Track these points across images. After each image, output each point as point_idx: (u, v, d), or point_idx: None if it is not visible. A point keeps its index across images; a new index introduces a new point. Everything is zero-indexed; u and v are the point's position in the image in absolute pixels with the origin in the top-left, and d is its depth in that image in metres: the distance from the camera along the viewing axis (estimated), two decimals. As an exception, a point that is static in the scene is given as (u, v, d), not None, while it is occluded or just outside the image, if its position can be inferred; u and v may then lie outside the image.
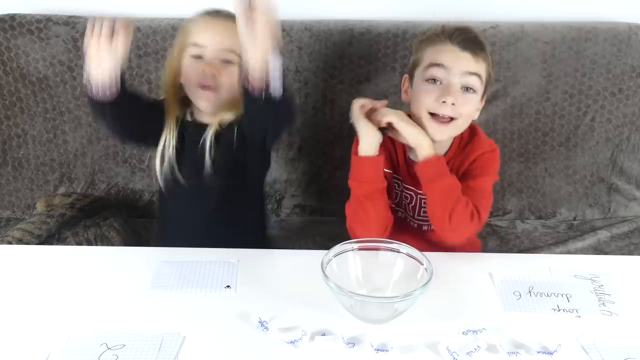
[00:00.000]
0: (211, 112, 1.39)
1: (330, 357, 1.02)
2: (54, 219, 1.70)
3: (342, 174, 1.87)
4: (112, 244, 1.69)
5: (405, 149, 1.43)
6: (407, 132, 1.32)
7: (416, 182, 1.40)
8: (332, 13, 1.84)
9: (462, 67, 1.32)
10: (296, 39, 1.80)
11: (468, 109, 1.35)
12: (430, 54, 1.35)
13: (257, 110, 1.22)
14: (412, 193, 1.45)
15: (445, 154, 1.41)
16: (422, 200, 1.44)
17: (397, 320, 1.09)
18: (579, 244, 1.81)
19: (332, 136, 1.89)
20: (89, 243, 1.67)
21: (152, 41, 1.79)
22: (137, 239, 1.78)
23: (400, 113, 1.35)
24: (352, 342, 1.04)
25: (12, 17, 1.80)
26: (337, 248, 1.17)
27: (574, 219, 1.95)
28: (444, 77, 1.32)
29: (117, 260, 1.29)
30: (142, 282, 1.20)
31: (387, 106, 1.39)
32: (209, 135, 1.38)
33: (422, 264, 1.13)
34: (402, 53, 1.80)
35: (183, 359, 1.01)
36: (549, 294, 1.18)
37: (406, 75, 1.44)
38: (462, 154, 1.42)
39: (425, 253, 1.15)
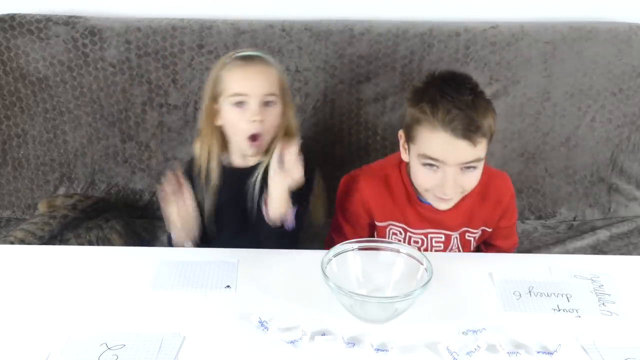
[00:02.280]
0: (257, 155, 1.43)
1: (330, 357, 1.02)
2: (56, 220, 1.70)
3: (342, 174, 1.88)
4: (114, 246, 1.69)
5: (411, 193, 1.40)
6: None
7: (426, 223, 1.40)
8: (332, 13, 1.84)
9: (458, 159, 1.24)
10: (296, 39, 1.80)
11: (472, 185, 1.30)
12: (423, 141, 1.26)
13: (266, 233, 1.35)
14: (422, 237, 1.43)
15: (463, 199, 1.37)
16: (434, 240, 1.43)
17: (397, 320, 1.09)
18: (578, 244, 1.81)
19: (332, 136, 1.89)
20: (91, 245, 1.67)
21: (152, 41, 1.79)
22: (138, 239, 1.78)
23: None
24: (352, 342, 1.04)
25: (12, 17, 1.80)
26: (337, 248, 1.17)
27: (574, 219, 1.95)
28: (440, 165, 1.25)
29: (118, 261, 1.29)
30: (142, 282, 1.20)
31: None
32: (257, 179, 1.41)
33: (422, 264, 1.13)
34: (402, 53, 1.80)
35: (183, 359, 1.01)
36: (549, 294, 1.18)
37: (401, 132, 1.36)
38: (487, 199, 1.41)
39: (425, 253, 1.15)
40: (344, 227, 1.48)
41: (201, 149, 1.45)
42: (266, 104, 1.37)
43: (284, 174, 1.29)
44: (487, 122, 1.26)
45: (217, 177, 1.44)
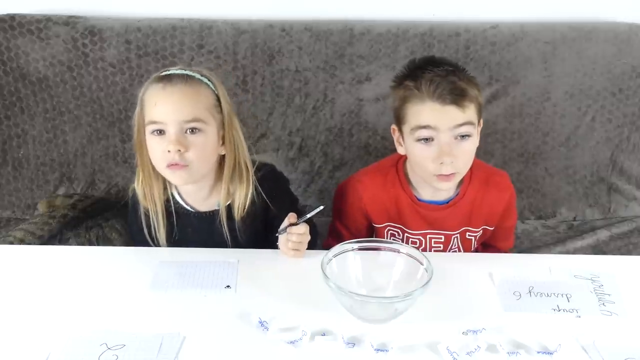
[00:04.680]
0: (186, 185, 1.31)
1: (330, 357, 1.02)
2: (55, 219, 1.69)
3: (342, 174, 1.88)
4: (114, 245, 1.68)
5: (409, 192, 1.41)
6: None
7: (425, 224, 1.40)
8: (332, 13, 1.84)
9: (449, 123, 1.25)
10: (296, 39, 1.80)
11: (469, 157, 1.30)
12: (413, 115, 1.28)
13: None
14: (420, 237, 1.43)
15: (459, 187, 1.40)
16: (433, 240, 1.43)
17: (397, 320, 1.09)
18: (579, 244, 1.81)
19: (332, 136, 1.89)
20: (91, 244, 1.67)
21: (152, 41, 1.79)
22: (137, 239, 1.78)
23: None
24: (352, 342, 1.04)
25: (12, 17, 1.80)
26: (337, 248, 1.17)
27: (574, 219, 1.95)
28: (434, 135, 1.26)
29: (117, 261, 1.29)
30: (142, 282, 1.20)
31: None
32: (224, 223, 1.33)
33: (422, 264, 1.13)
34: (402, 53, 1.80)
35: (183, 359, 1.01)
36: (549, 294, 1.18)
37: (394, 126, 1.37)
38: (487, 197, 1.41)
39: (425, 253, 1.15)
40: (342, 232, 1.48)
41: (143, 190, 1.32)
42: (192, 131, 1.22)
43: (291, 248, 1.27)
44: (471, 90, 1.27)
45: (167, 223, 1.34)
